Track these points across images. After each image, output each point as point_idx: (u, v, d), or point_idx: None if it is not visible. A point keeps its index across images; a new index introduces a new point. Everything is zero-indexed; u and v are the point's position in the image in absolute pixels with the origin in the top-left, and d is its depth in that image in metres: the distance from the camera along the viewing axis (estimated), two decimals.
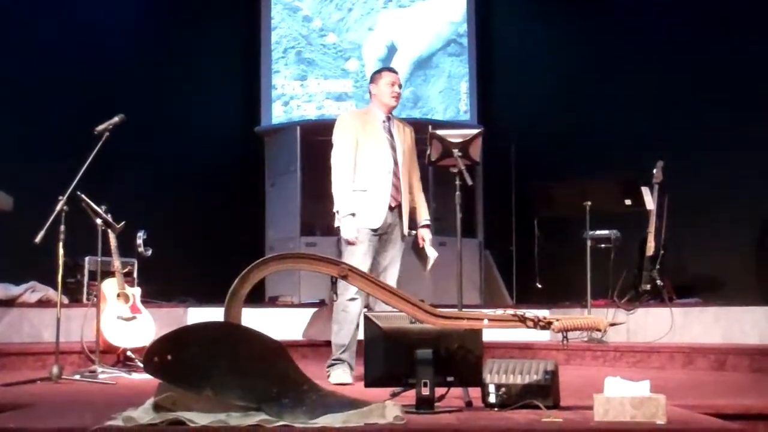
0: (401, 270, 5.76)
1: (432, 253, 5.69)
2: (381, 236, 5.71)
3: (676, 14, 8.60)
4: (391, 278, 5.63)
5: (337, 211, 5.67)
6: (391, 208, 5.69)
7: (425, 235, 5.78)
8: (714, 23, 8.27)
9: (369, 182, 5.68)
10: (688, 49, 8.47)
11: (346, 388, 4.99)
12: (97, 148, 5.66)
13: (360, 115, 6.02)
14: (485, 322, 3.90)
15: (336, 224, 5.74)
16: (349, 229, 5.59)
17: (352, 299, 5.58)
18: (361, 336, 4.05)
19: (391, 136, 5.82)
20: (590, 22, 9.45)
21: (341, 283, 5.59)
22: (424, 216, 5.83)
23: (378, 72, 6.03)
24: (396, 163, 5.75)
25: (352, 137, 5.74)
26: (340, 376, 5.38)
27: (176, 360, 3.49)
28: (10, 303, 7.08)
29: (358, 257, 5.45)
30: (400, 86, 5.92)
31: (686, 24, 8.49)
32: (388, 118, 5.86)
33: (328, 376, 5.39)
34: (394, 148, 5.78)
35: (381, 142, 5.77)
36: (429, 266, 5.75)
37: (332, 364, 5.57)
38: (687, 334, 6.99)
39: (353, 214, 5.60)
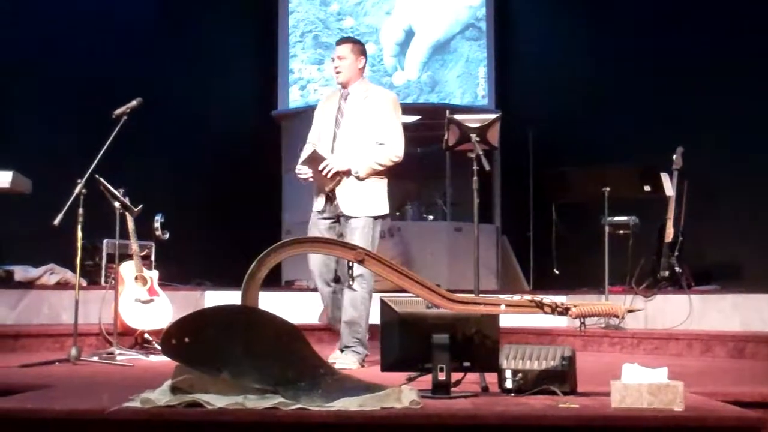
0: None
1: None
2: (336, 220, 5.60)
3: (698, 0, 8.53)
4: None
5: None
6: (331, 188, 5.54)
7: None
8: (736, 6, 8.19)
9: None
10: (709, 33, 8.39)
11: (362, 371, 4.99)
12: (115, 132, 5.67)
13: (327, 97, 5.99)
14: (502, 307, 3.89)
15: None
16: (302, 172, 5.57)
17: (319, 287, 5.64)
18: (377, 320, 4.04)
19: (342, 111, 5.66)
20: (609, 7, 9.38)
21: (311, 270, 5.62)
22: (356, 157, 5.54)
23: None
24: (335, 138, 5.60)
25: (314, 123, 5.79)
26: (342, 363, 5.28)
27: (193, 342, 3.50)
28: (29, 285, 7.14)
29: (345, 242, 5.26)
30: (340, 58, 5.67)
31: (708, 10, 8.41)
32: (348, 93, 5.71)
33: None
34: (338, 124, 5.63)
35: (328, 121, 5.69)
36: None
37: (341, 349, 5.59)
38: (705, 322, 6.96)
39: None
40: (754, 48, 7.99)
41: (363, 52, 5.79)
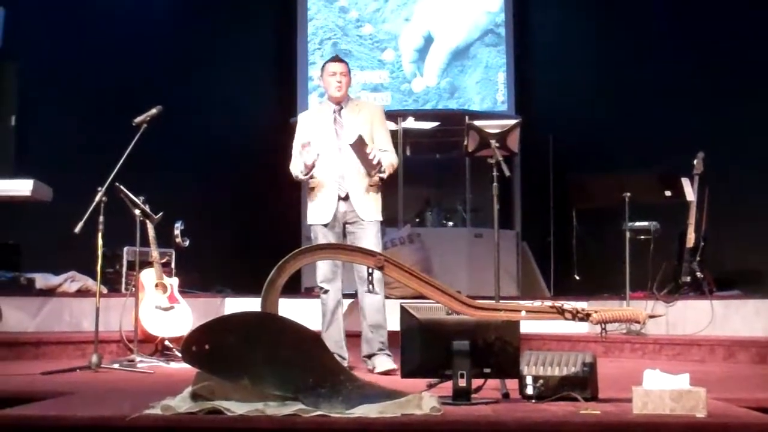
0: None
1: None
2: (345, 228, 5.72)
3: (722, 4, 8.47)
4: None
5: (298, 179, 5.82)
6: (341, 198, 5.69)
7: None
8: (758, 12, 8.15)
9: (318, 178, 5.71)
10: (731, 39, 8.35)
11: (382, 378, 4.99)
12: (135, 140, 5.69)
13: (312, 113, 6.10)
14: (523, 313, 3.88)
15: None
16: (297, 167, 5.70)
17: (325, 291, 5.71)
18: (397, 326, 4.03)
19: (340, 125, 5.79)
20: (629, 12, 9.34)
21: (316, 275, 5.68)
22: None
23: (324, 64, 6.02)
24: (340, 150, 5.71)
25: (299, 137, 5.85)
26: None
27: (214, 349, 3.51)
28: (50, 292, 7.16)
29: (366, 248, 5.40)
30: (343, 74, 5.83)
31: (729, 13, 8.37)
32: (341, 108, 5.84)
33: None
34: (339, 136, 5.75)
35: (327, 134, 5.79)
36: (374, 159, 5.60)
37: None
38: (727, 327, 6.91)
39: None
40: None
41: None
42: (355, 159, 5.63)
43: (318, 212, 5.75)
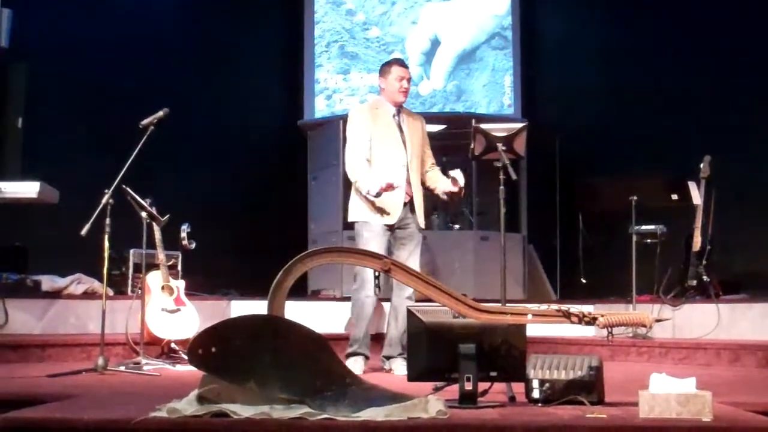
0: (424, 264, 5.82)
1: (457, 175, 5.76)
2: (395, 232, 5.82)
3: (728, 7, 8.46)
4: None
5: (359, 190, 5.80)
6: (404, 204, 5.81)
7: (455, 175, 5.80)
8: (765, 10, 8.14)
9: (383, 178, 5.69)
10: (738, 43, 8.35)
11: (388, 381, 4.99)
12: (142, 142, 5.71)
13: (371, 110, 6.04)
14: (529, 317, 3.87)
15: (350, 219, 5.92)
16: (373, 186, 5.65)
17: (368, 296, 5.76)
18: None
19: (401, 130, 5.90)
20: (637, 16, 9.34)
21: (358, 279, 5.76)
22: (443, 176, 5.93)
23: (387, 64, 6.08)
24: (407, 158, 5.86)
25: (365, 132, 5.86)
26: (353, 367, 5.45)
27: (220, 352, 3.51)
28: (56, 295, 7.17)
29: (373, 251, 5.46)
30: (409, 81, 5.97)
31: (737, 17, 8.36)
32: (398, 111, 5.95)
33: None
34: (404, 143, 5.87)
35: (393, 136, 5.88)
36: (460, 182, 5.76)
37: (348, 356, 5.81)
38: (734, 331, 6.91)
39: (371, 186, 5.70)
40: None
41: None
42: (416, 166, 5.88)
43: (386, 211, 5.79)
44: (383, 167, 5.77)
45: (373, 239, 5.73)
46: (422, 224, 5.89)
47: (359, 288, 5.82)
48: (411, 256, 5.76)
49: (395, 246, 5.84)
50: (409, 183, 5.84)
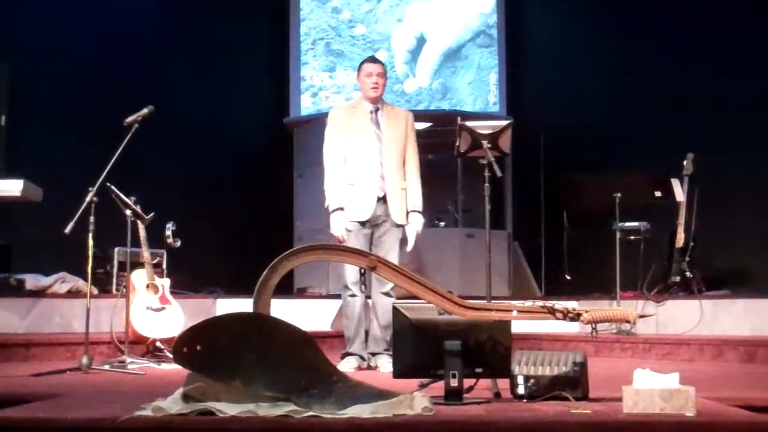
0: (409, 261, 5.82)
1: (411, 235, 5.85)
2: (372, 228, 5.82)
3: (710, 6, 8.49)
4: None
5: (327, 207, 5.87)
6: (378, 199, 5.82)
7: (411, 221, 5.89)
8: (748, 14, 8.18)
9: (356, 175, 5.85)
10: (720, 41, 8.38)
11: (374, 378, 4.99)
12: (126, 140, 5.68)
13: (348, 108, 6.15)
14: (514, 313, 3.89)
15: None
16: (337, 225, 5.80)
17: (353, 295, 5.79)
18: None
19: (378, 126, 5.92)
20: (621, 14, 9.37)
21: (345, 278, 5.77)
22: (411, 203, 5.92)
23: (361, 64, 6.14)
24: (381, 152, 5.86)
25: (339, 132, 5.93)
26: (344, 367, 5.50)
27: (205, 350, 3.50)
28: (40, 293, 7.15)
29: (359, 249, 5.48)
30: (381, 75, 5.96)
31: (720, 15, 8.40)
32: (377, 108, 5.96)
33: None
34: (380, 138, 5.88)
35: (367, 133, 5.90)
36: (408, 247, 5.89)
37: (342, 356, 5.84)
38: (716, 327, 6.95)
39: (342, 209, 5.79)
40: (764, 52, 7.97)
41: None
42: (393, 161, 5.84)
43: (355, 210, 5.82)
44: (356, 164, 5.86)
45: (350, 238, 5.78)
46: (399, 220, 5.86)
47: (344, 287, 5.87)
48: (389, 253, 5.71)
49: (374, 245, 5.84)
50: (383, 178, 5.84)
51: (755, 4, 8.14)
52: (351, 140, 5.90)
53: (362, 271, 4.17)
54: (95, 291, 6.66)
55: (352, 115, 6.00)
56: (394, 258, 5.67)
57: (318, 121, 9.87)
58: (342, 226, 5.79)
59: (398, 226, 5.86)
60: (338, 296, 8.44)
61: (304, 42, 10.32)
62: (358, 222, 5.81)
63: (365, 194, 5.81)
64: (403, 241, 5.92)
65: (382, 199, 5.83)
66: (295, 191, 10.13)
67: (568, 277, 8.38)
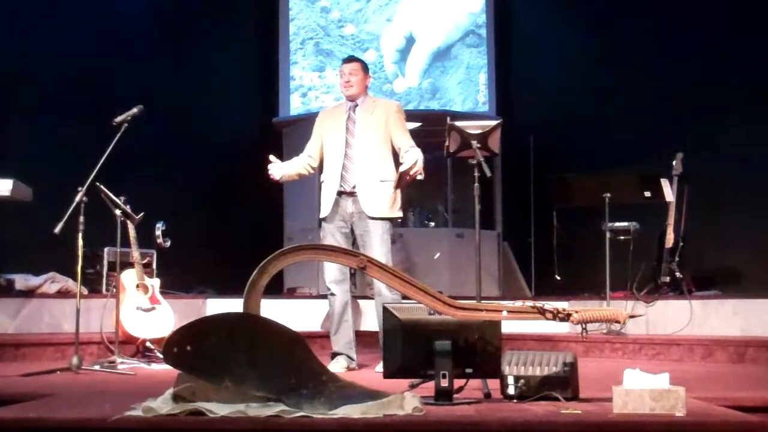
0: (399, 262, 5.75)
1: (409, 160, 5.56)
2: (351, 227, 5.78)
3: (703, 6, 8.51)
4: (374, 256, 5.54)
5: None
6: (344, 194, 5.76)
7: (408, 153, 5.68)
8: (738, 13, 8.20)
9: (325, 173, 5.87)
10: (710, 40, 8.41)
11: (364, 379, 5.00)
12: (116, 139, 5.67)
13: (330, 110, 6.21)
14: (504, 313, 3.89)
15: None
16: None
17: (332, 294, 5.75)
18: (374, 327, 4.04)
19: (353, 122, 5.88)
20: (610, 13, 9.38)
21: (325, 276, 5.76)
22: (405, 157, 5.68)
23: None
24: (348, 145, 5.81)
25: (316, 134, 6.01)
26: (333, 368, 5.43)
27: (196, 351, 3.50)
28: (29, 294, 7.13)
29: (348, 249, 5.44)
30: (353, 73, 5.95)
31: (709, 13, 8.42)
32: (356, 105, 5.94)
33: None
34: (349, 131, 5.85)
35: (338, 130, 5.89)
36: (408, 168, 5.55)
37: (332, 356, 5.78)
38: (706, 327, 6.97)
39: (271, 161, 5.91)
40: (755, 52, 8.00)
41: (368, 72, 6.12)
42: (365, 154, 5.74)
43: (321, 206, 5.84)
44: (328, 161, 5.87)
45: (325, 237, 5.80)
46: (372, 213, 5.67)
47: (326, 287, 5.84)
48: (372, 252, 5.52)
49: (359, 244, 5.75)
50: (346, 172, 5.75)
51: (745, 2, 8.16)
52: (326, 139, 5.92)
53: (352, 271, 4.15)
54: (85, 291, 6.64)
55: (331, 115, 6.02)
56: (379, 254, 5.51)
57: (307, 121, 9.87)
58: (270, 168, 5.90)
59: (375, 219, 5.67)
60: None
61: (293, 42, 10.32)
62: (321, 219, 5.83)
63: (326, 190, 5.81)
64: (386, 233, 5.73)
65: (348, 194, 5.74)
66: (285, 191, 10.12)
67: (558, 278, 8.39)
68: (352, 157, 5.78)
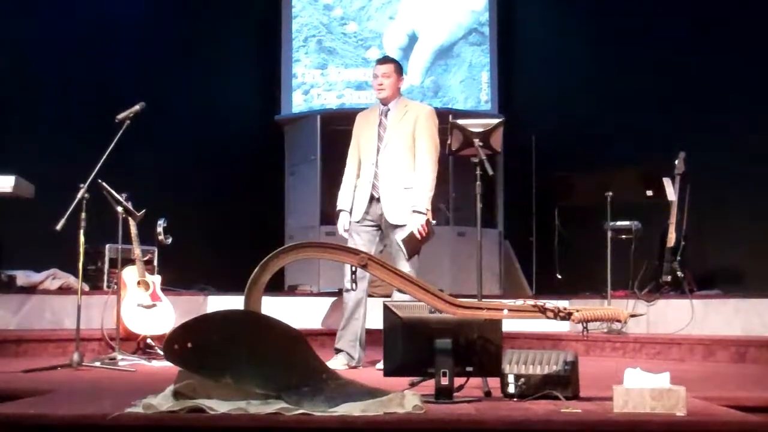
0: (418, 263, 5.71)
1: (401, 236, 5.56)
2: (380, 231, 5.78)
3: (706, 6, 8.49)
4: (402, 268, 5.56)
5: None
6: (374, 200, 5.76)
7: (409, 221, 5.64)
8: (740, 11, 8.19)
9: (360, 177, 5.85)
10: (713, 38, 8.39)
11: (364, 376, 4.99)
12: (118, 136, 5.67)
13: (365, 113, 6.14)
14: (505, 312, 3.89)
15: None
16: (338, 226, 5.85)
17: (346, 290, 5.70)
18: (380, 325, 4.03)
19: (384, 126, 5.86)
20: (613, 12, 9.37)
21: (344, 271, 5.73)
22: (412, 201, 5.67)
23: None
24: (378, 151, 5.80)
25: (354, 138, 5.96)
26: (334, 365, 5.40)
27: (196, 348, 3.50)
28: (31, 290, 7.14)
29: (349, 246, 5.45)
30: (386, 75, 5.89)
31: (712, 12, 8.41)
32: (388, 109, 5.91)
33: None
34: (381, 138, 5.83)
35: (371, 135, 5.87)
36: (402, 245, 5.56)
37: (336, 351, 5.77)
38: (707, 326, 6.96)
39: (343, 211, 5.82)
40: (757, 52, 7.99)
41: (402, 72, 6.05)
42: (393, 160, 5.73)
43: (354, 210, 5.82)
44: (363, 167, 5.86)
45: (351, 238, 5.78)
46: (394, 220, 5.65)
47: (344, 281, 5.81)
48: (396, 257, 5.61)
49: (385, 243, 5.78)
50: (377, 178, 5.76)
51: (745, 2, 8.15)
52: (361, 146, 5.90)
53: (353, 269, 4.14)
54: (86, 288, 6.65)
55: (366, 118, 5.99)
56: (401, 259, 5.55)
57: (309, 118, 9.91)
58: (341, 227, 5.82)
59: (399, 226, 5.66)
60: (329, 294, 8.49)
61: (295, 39, 10.32)
62: (354, 222, 5.79)
63: (359, 195, 5.80)
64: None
65: (378, 200, 5.74)
66: (287, 188, 10.14)
67: (559, 276, 8.39)
68: (381, 164, 5.78)
